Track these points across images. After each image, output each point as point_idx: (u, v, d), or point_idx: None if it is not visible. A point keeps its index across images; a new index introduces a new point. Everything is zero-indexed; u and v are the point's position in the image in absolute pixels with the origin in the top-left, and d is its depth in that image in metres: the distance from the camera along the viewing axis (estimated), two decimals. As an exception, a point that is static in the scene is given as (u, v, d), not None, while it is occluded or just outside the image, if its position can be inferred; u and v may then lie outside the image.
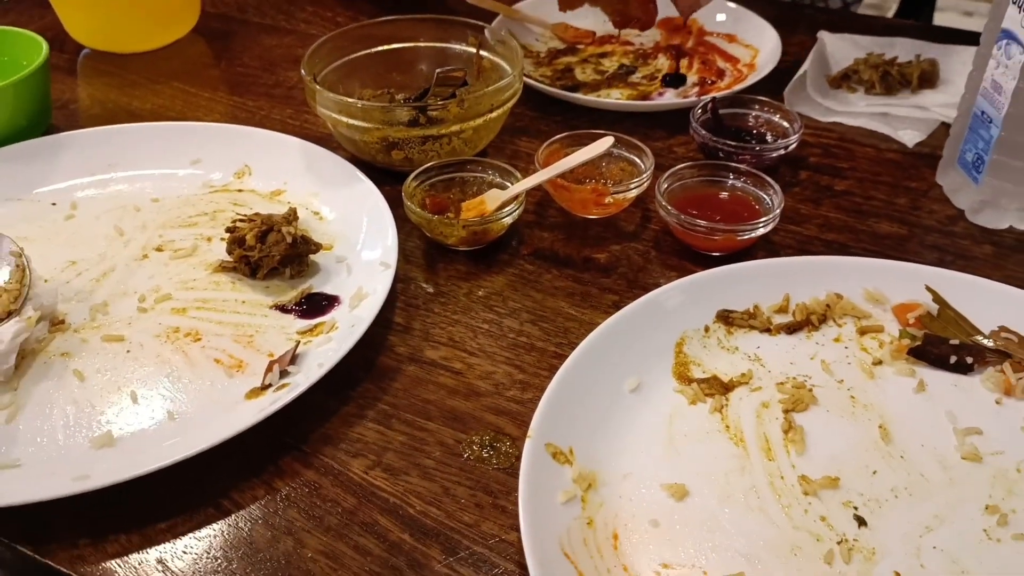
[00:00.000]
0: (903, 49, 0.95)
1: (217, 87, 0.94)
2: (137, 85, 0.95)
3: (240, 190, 0.77)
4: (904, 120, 0.86)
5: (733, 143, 0.77)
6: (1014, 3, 0.65)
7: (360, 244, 0.69)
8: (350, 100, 0.73)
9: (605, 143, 0.69)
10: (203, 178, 0.78)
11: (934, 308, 0.62)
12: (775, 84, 0.91)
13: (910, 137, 0.84)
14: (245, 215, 0.68)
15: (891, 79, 0.90)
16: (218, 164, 0.79)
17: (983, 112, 0.70)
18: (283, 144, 0.79)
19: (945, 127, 0.84)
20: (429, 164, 0.73)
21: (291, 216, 0.69)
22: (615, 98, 0.91)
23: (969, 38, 0.96)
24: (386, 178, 0.77)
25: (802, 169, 0.81)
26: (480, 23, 0.86)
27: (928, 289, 0.62)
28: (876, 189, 0.78)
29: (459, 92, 0.79)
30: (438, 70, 0.74)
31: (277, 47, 1.02)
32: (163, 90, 0.94)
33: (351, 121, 0.74)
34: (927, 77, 0.90)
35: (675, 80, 0.94)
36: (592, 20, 1.04)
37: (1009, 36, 0.66)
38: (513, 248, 0.72)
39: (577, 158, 0.69)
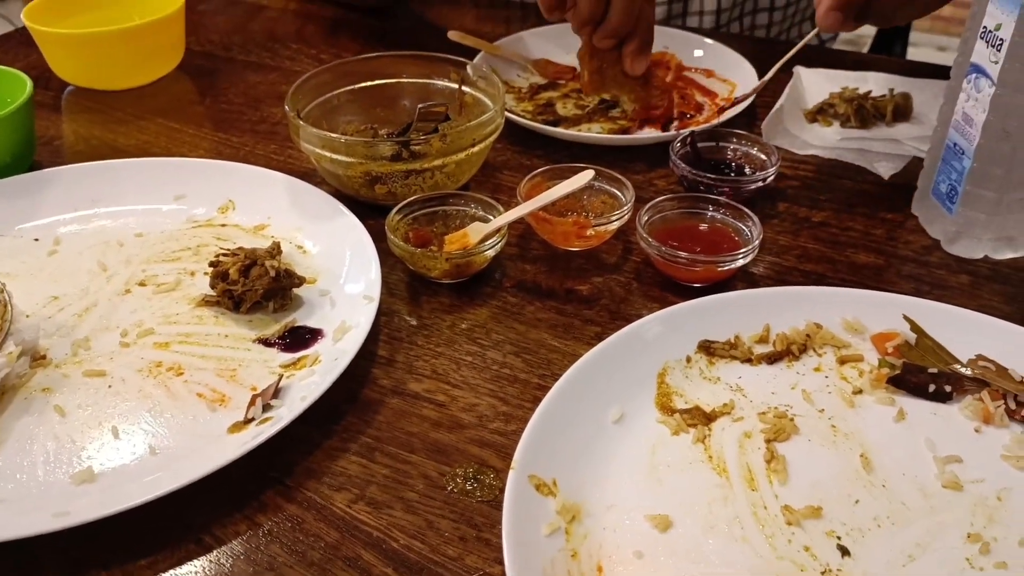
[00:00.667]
0: (877, 83, 0.97)
1: (202, 123, 0.95)
2: (122, 122, 0.95)
3: (224, 225, 0.77)
4: (879, 153, 0.88)
5: (712, 176, 0.79)
6: (982, 38, 0.67)
7: (343, 278, 0.70)
8: (333, 135, 0.74)
9: (586, 176, 0.70)
10: (187, 213, 0.79)
11: (912, 337, 0.62)
12: (752, 118, 0.92)
13: (885, 169, 0.85)
14: (229, 249, 0.68)
15: (866, 112, 0.92)
16: (202, 199, 0.79)
17: (955, 144, 0.72)
18: (267, 179, 0.80)
19: (920, 160, 0.86)
20: (412, 198, 0.74)
21: (275, 250, 0.69)
22: (596, 132, 0.92)
23: (941, 72, 0.98)
24: (370, 212, 0.78)
25: (780, 201, 0.82)
26: (462, 59, 0.87)
27: (906, 318, 0.63)
28: (853, 220, 0.79)
29: (441, 127, 0.80)
30: (420, 105, 0.75)
31: (261, 84, 1.03)
32: (148, 127, 0.94)
33: (334, 156, 0.75)
34: (901, 110, 0.92)
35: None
36: (574, 58, 1.06)
37: (978, 70, 0.68)
38: (496, 280, 0.72)
39: (558, 191, 0.70)
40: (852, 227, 0.78)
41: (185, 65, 1.06)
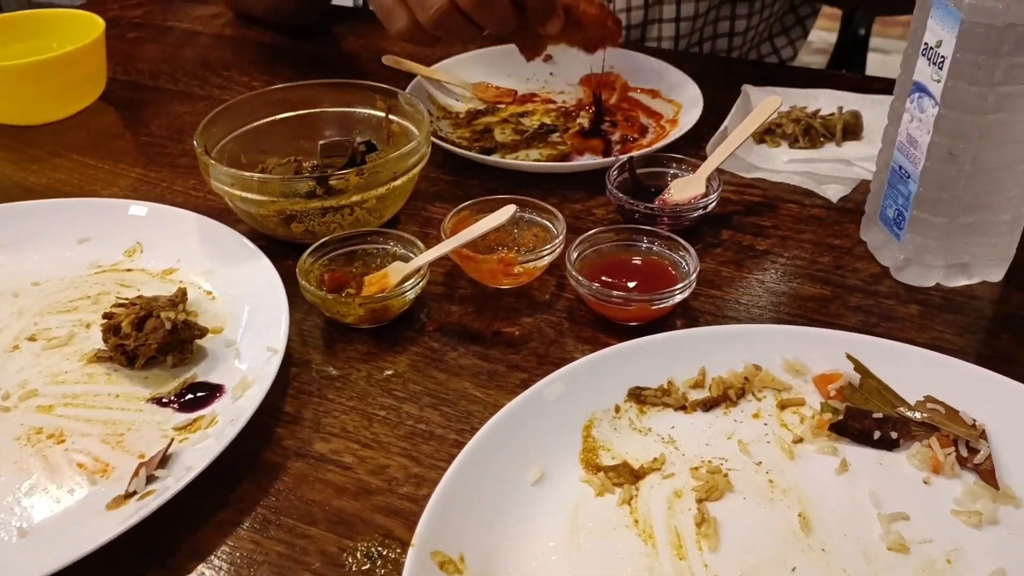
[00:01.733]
0: (827, 101, 0.94)
1: (120, 159, 0.90)
2: (37, 159, 0.90)
3: (129, 270, 0.72)
4: (828, 176, 0.84)
5: (649, 205, 0.74)
6: (923, 55, 0.63)
7: (252, 326, 0.65)
8: (244, 174, 0.69)
9: (506, 212, 0.66)
10: (91, 258, 0.73)
11: (856, 378, 0.58)
12: (699, 139, 0.88)
13: (834, 192, 0.81)
14: (126, 299, 0.63)
15: (814, 132, 0.88)
16: (107, 242, 0.74)
17: (900, 167, 0.68)
18: (178, 219, 0.75)
19: (869, 183, 0.82)
20: (328, 238, 0.69)
21: (177, 298, 0.64)
22: (534, 159, 0.88)
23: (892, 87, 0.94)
24: (289, 251, 0.73)
25: (724, 228, 0.78)
26: (391, 88, 0.82)
27: (849, 357, 0.59)
28: (799, 248, 0.75)
29: (368, 158, 0.75)
30: (321, 142, 0.70)
31: (188, 114, 0.98)
32: (63, 164, 0.89)
33: (245, 195, 0.70)
34: (850, 129, 0.89)
35: (593, 132, 0.92)
36: (515, 79, 1.02)
37: (921, 89, 0.64)
38: (419, 323, 0.67)
39: (479, 228, 0.66)
40: (798, 255, 0.74)
41: (110, 96, 1.01)
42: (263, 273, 0.68)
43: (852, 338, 0.60)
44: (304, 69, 1.07)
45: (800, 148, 0.88)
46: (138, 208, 0.76)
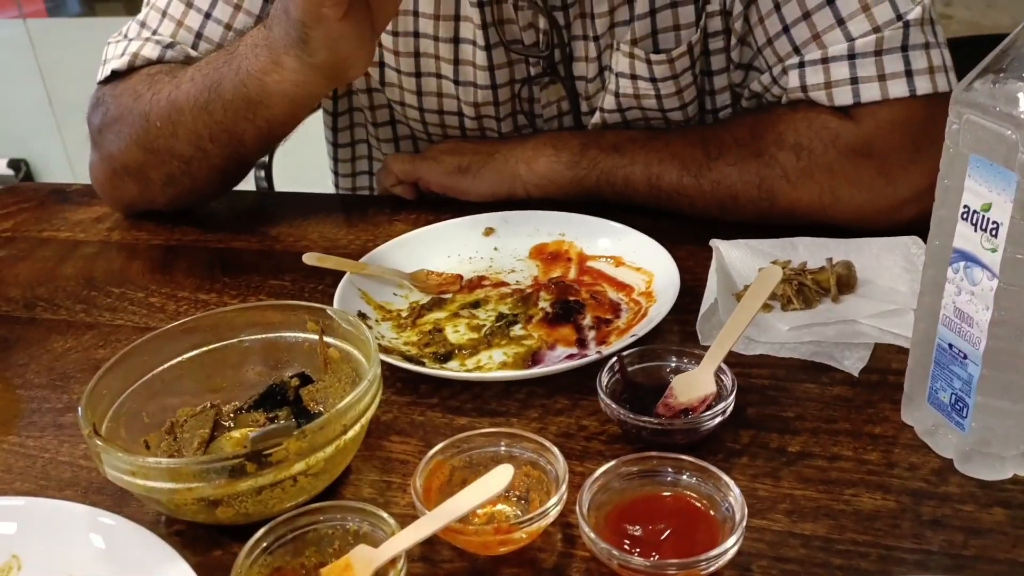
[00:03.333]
0: (807, 251, 0.84)
1: (-13, 425, 0.72)
2: None
3: (4, 599, 0.55)
4: (837, 341, 0.73)
5: (656, 421, 0.62)
6: (964, 219, 0.54)
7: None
8: (147, 460, 0.54)
9: (502, 479, 0.52)
10: (-51, 588, 0.55)
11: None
12: (683, 312, 0.77)
13: (852, 364, 0.70)
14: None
15: (808, 291, 0.78)
16: (-29, 562, 0.56)
17: (951, 345, 0.57)
18: (65, 516, 0.58)
19: (888, 344, 0.72)
20: (267, 528, 0.53)
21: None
22: (499, 361, 0.75)
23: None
24: (217, 536, 0.57)
25: (742, 428, 0.65)
26: (320, 306, 0.69)
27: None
28: (837, 444, 0.63)
29: (304, 393, 0.61)
30: (252, 434, 0.55)
31: (72, 350, 0.82)
32: (-89, 441, 0.71)
33: (151, 483, 0.54)
34: (845, 282, 0.79)
35: (565, 314, 0.80)
36: (456, 260, 0.90)
37: (967, 258, 0.54)
38: (400, 624, 0.52)
39: (467, 501, 0.51)
40: (840, 454, 0.62)
41: (-26, 337, 0.84)
42: (184, 585, 0.51)
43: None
44: (211, 273, 0.93)
45: (795, 310, 0.77)
46: (11, 507, 0.59)
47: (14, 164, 3.45)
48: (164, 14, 0.98)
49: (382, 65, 1.02)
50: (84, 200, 1.12)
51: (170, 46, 0.97)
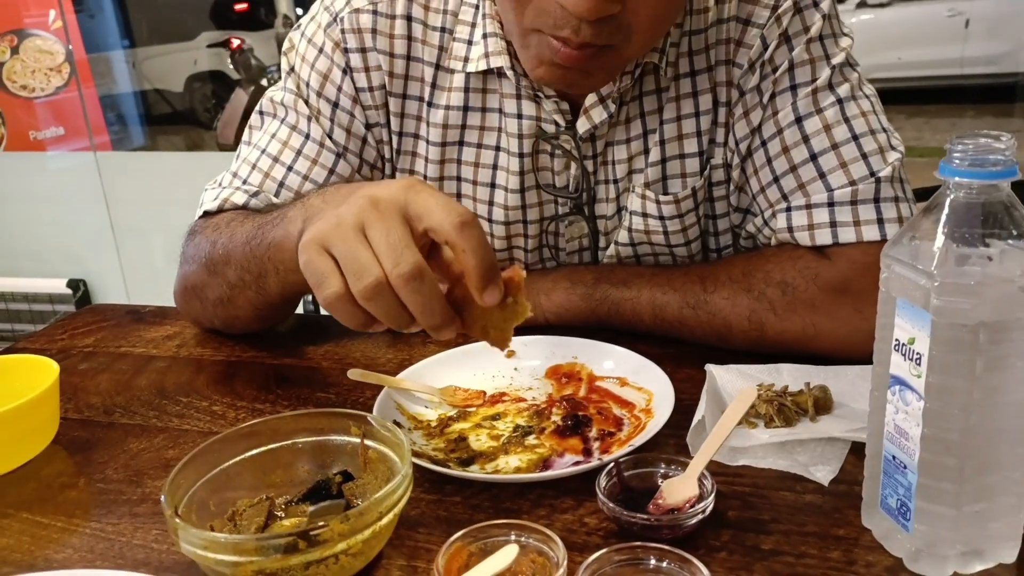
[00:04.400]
0: (790, 376, 0.95)
1: (73, 512, 0.84)
2: (-21, 521, 0.84)
3: (89, 656, 0.65)
4: (813, 455, 0.83)
5: (647, 517, 0.72)
6: (897, 351, 0.65)
7: None
8: (218, 536, 0.65)
9: (509, 555, 0.62)
10: (44, 646, 0.66)
11: None
12: (678, 428, 0.88)
13: (824, 475, 0.80)
14: None
15: (788, 411, 0.88)
16: (63, 624, 0.67)
17: (894, 456, 0.67)
18: (143, 587, 0.69)
19: (856, 458, 0.81)
20: (313, 599, 0.63)
21: None
22: (515, 466, 0.85)
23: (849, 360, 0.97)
24: (267, 610, 0.67)
25: (723, 528, 0.75)
26: (362, 413, 0.81)
27: None
28: (805, 543, 0.72)
29: (346, 488, 0.71)
30: (310, 509, 0.66)
31: (145, 451, 0.94)
32: (10, 526, 0.83)
33: (218, 556, 0.65)
34: (822, 404, 0.89)
35: (575, 426, 0.91)
36: (480, 378, 1.02)
37: (901, 383, 0.65)
38: None
39: (480, 574, 0.61)
40: (807, 552, 0.71)
41: (60, 438, 0.97)
42: (243, 646, 0.62)
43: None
44: (267, 386, 1.06)
45: (776, 427, 0.88)
46: (97, 581, 0.70)
47: (73, 284, 3.66)
48: (253, 167, 1.15)
49: None
50: (156, 320, 1.27)
51: (255, 194, 1.12)
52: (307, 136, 1.13)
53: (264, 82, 4.09)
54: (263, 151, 1.15)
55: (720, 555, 0.72)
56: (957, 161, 0.61)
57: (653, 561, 0.66)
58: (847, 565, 0.70)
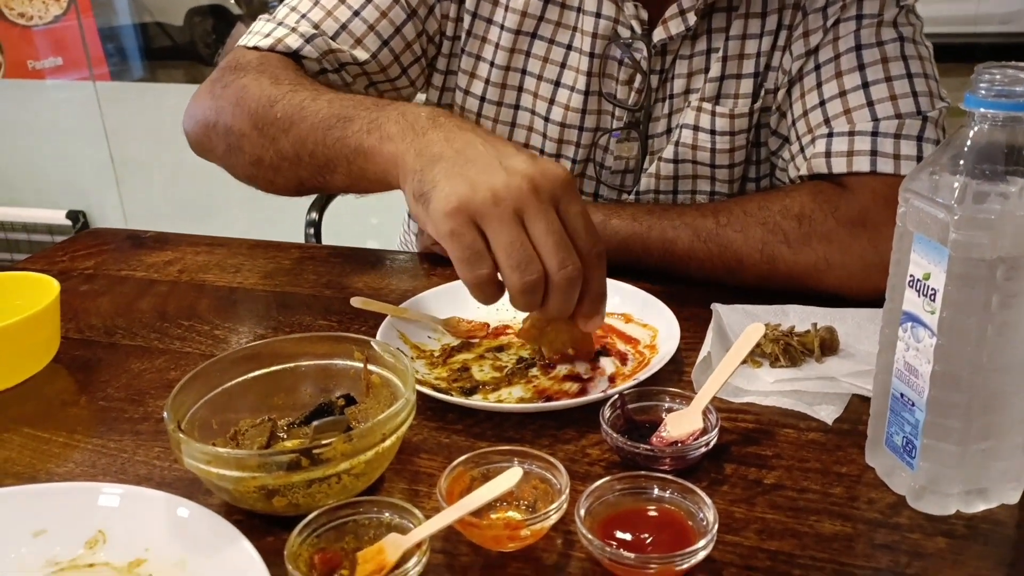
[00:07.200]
0: (797, 317, 0.95)
1: (75, 428, 0.84)
2: (-20, 434, 0.83)
3: (91, 564, 0.65)
4: (817, 394, 0.83)
5: (650, 447, 0.72)
6: (911, 287, 0.64)
7: (235, 628, 0.58)
8: (220, 450, 0.65)
9: (513, 476, 0.62)
10: (46, 553, 0.66)
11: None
12: (680, 364, 0.87)
13: (827, 414, 0.80)
14: (90, 609, 0.56)
15: (793, 351, 0.88)
16: (65, 533, 0.67)
17: (902, 395, 0.67)
18: (143, 501, 0.68)
19: (860, 400, 0.81)
20: (316, 513, 0.63)
21: (149, 602, 0.57)
22: (517, 396, 0.85)
23: (856, 301, 0.96)
24: (269, 526, 0.67)
25: (726, 462, 0.75)
26: (365, 338, 0.80)
27: (897, 613, 0.55)
28: (807, 479, 0.72)
29: (348, 412, 0.71)
30: (315, 423, 0.66)
31: (147, 371, 0.93)
32: (11, 439, 0.82)
33: (222, 471, 0.65)
34: (827, 345, 0.89)
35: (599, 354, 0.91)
36: (485, 312, 1.01)
37: (913, 319, 0.64)
38: (421, 603, 0.61)
39: (483, 496, 0.61)
40: (808, 488, 0.71)
41: (62, 357, 0.96)
42: (243, 558, 0.62)
43: (895, 589, 0.56)
44: (269, 312, 1.05)
45: (781, 367, 0.87)
46: (96, 491, 0.70)
47: (72, 215, 3.64)
48: (316, 2, 1.10)
49: (482, 100, 1.17)
50: (157, 245, 1.26)
51: (311, 38, 1.07)
52: None
53: (267, 17, 4.01)
54: None
55: (722, 488, 0.72)
56: (983, 91, 0.60)
57: (656, 490, 0.66)
58: (849, 501, 0.70)
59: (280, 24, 1.10)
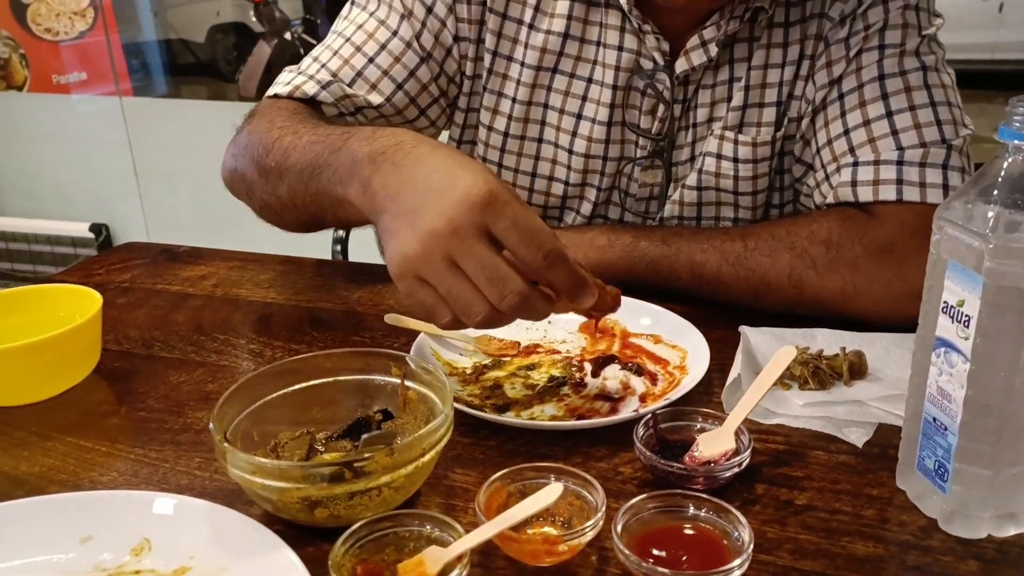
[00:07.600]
0: (825, 340, 0.96)
1: (116, 438, 0.86)
2: (25, 444, 0.85)
3: (137, 572, 0.67)
4: (846, 419, 0.84)
5: (683, 466, 0.73)
6: (944, 312, 0.65)
7: (281, 635, 0.59)
8: (265, 461, 0.66)
9: (552, 494, 0.63)
10: (93, 559, 0.68)
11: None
12: (710, 385, 0.89)
13: (857, 437, 0.81)
14: (141, 614, 0.58)
15: (823, 374, 0.89)
16: (111, 540, 0.69)
17: (935, 419, 0.68)
18: (187, 509, 0.70)
19: (889, 425, 0.82)
20: (358, 524, 0.65)
21: (198, 608, 0.58)
22: (549, 414, 0.87)
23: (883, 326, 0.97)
24: (310, 537, 0.69)
25: (757, 482, 0.76)
26: (402, 354, 0.82)
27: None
28: (839, 500, 0.73)
29: (385, 426, 0.73)
30: (364, 435, 0.68)
31: (185, 383, 0.95)
32: (55, 447, 0.84)
33: (266, 482, 0.66)
34: (856, 369, 0.90)
35: (605, 361, 0.93)
36: (515, 329, 1.02)
37: (947, 345, 0.65)
38: (461, 616, 0.62)
39: (523, 510, 0.63)
40: (840, 509, 0.72)
41: (101, 368, 0.98)
42: (286, 567, 0.63)
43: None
44: (301, 328, 1.07)
45: (811, 390, 0.88)
46: (142, 499, 0.72)
47: (95, 228, 3.68)
48: (335, 53, 1.14)
49: (505, 135, 1.19)
50: (191, 260, 1.29)
51: (328, 84, 1.11)
52: (395, 33, 1.13)
53: (288, 36, 4.06)
54: (347, 39, 1.14)
55: (754, 508, 0.73)
56: (1017, 124, 0.61)
57: (691, 509, 0.67)
58: (880, 523, 0.71)
59: (300, 73, 1.14)
